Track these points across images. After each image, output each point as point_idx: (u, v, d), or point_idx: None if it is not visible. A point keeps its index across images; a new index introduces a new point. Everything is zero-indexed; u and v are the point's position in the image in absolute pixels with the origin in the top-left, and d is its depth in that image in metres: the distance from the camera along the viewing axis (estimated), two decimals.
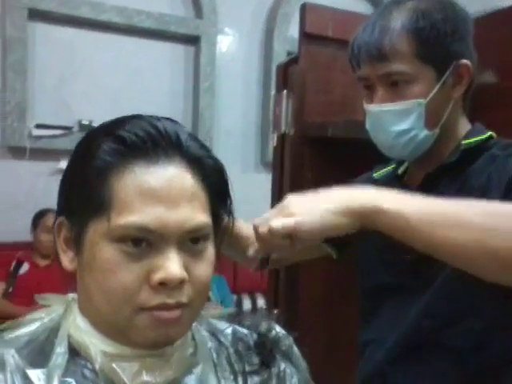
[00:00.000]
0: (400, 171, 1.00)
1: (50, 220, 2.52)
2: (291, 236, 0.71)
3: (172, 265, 0.54)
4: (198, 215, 0.57)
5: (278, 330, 0.75)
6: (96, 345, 0.58)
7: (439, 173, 0.91)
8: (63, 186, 0.61)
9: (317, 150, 1.49)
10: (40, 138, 2.81)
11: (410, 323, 0.90)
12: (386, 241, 0.96)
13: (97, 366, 0.57)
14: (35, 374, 0.55)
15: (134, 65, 2.99)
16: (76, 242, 0.58)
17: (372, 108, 0.91)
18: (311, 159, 1.47)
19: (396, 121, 0.88)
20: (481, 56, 1.44)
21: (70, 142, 2.78)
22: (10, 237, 2.69)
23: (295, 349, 0.75)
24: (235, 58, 3.24)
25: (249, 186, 3.10)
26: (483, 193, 0.81)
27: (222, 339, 0.69)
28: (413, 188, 0.92)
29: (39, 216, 2.61)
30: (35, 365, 0.56)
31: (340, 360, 1.11)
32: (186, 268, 0.56)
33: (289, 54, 3.21)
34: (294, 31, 3.18)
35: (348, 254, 1.12)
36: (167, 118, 0.60)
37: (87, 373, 0.57)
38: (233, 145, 3.28)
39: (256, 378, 0.66)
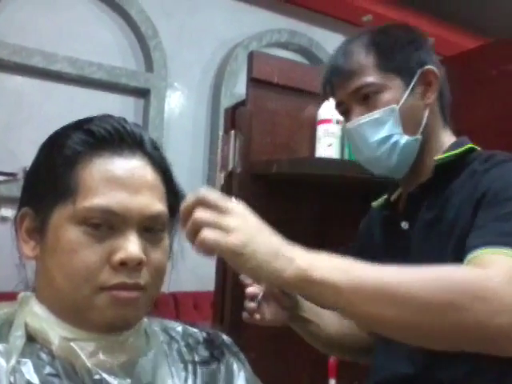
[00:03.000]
0: (393, 198, 1.00)
1: None
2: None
3: (132, 246, 0.59)
4: (157, 204, 0.63)
5: (226, 338, 0.80)
6: (54, 329, 0.61)
7: (420, 193, 0.91)
8: (29, 178, 0.65)
9: (262, 186, 1.56)
10: None
11: (404, 353, 0.87)
12: None
13: (54, 348, 0.59)
14: None
15: (84, 115, 2.98)
16: (40, 229, 0.62)
17: (349, 125, 0.93)
18: (257, 195, 1.54)
19: (374, 131, 0.89)
20: None
21: (17, 189, 2.75)
22: None
23: (242, 355, 0.79)
24: (184, 112, 3.35)
25: None
26: (460, 210, 0.81)
27: (173, 334, 0.72)
28: (400, 212, 0.94)
29: None
30: None
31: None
32: (144, 253, 0.61)
33: None
34: (240, 88, 3.35)
35: None
36: (133, 123, 0.67)
37: (43, 356, 0.59)
38: None
39: (205, 369, 0.69)
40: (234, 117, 1.64)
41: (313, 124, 1.64)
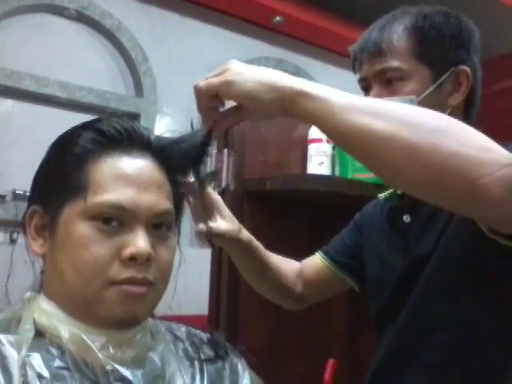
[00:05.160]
0: (400, 191, 0.96)
1: None
2: (218, 96, 0.71)
3: (141, 241, 0.60)
4: (165, 202, 0.64)
5: (227, 344, 0.81)
6: (63, 324, 0.61)
7: None
8: (39, 176, 0.67)
9: (256, 203, 1.59)
10: None
11: (390, 340, 0.90)
12: (381, 262, 0.95)
13: (63, 342, 0.59)
14: (6, 338, 0.57)
15: None
16: (49, 226, 0.63)
17: None
18: (250, 212, 1.56)
19: None
20: None
21: (4, 211, 2.73)
22: None
23: (243, 360, 0.80)
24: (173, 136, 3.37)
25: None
26: None
27: (178, 334, 0.73)
28: (404, 206, 0.92)
29: None
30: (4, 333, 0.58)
31: None
32: (152, 249, 0.62)
33: None
34: None
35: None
36: (141, 125, 0.69)
37: (52, 350, 0.59)
38: None
39: (211, 367, 0.70)
40: (227, 135, 1.67)
41: (304, 143, 1.68)
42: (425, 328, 0.85)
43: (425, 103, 0.84)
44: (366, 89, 0.92)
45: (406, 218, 0.93)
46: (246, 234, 1.00)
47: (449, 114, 0.84)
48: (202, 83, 0.70)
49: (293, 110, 0.67)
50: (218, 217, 0.93)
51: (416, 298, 0.86)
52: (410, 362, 0.87)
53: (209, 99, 0.71)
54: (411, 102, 0.84)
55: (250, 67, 0.70)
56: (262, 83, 0.67)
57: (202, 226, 0.88)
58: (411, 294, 0.87)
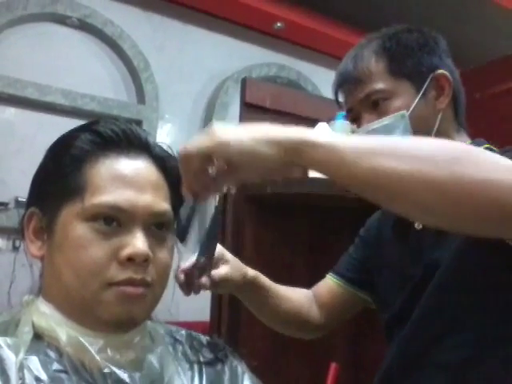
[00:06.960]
0: None
1: None
2: (211, 158, 0.63)
3: (139, 242, 0.60)
4: (163, 203, 0.65)
5: (227, 347, 0.80)
6: (61, 326, 0.61)
7: None
8: (37, 178, 0.67)
9: (257, 207, 1.59)
10: None
11: (404, 339, 0.89)
12: (394, 269, 0.93)
13: (61, 344, 0.59)
14: (4, 341, 0.57)
15: None
16: (47, 228, 0.63)
17: (359, 131, 0.91)
18: (251, 215, 1.56)
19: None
20: None
21: (6, 219, 2.74)
22: None
23: (244, 363, 0.79)
24: (175, 142, 3.38)
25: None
26: None
27: (177, 337, 0.73)
28: None
29: None
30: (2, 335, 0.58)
31: None
32: (150, 250, 0.62)
33: None
34: (230, 120, 3.40)
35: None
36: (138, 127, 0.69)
37: (50, 353, 0.59)
38: None
39: (210, 369, 0.70)
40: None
41: None
42: (439, 329, 0.84)
43: (415, 114, 0.87)
44: (355, 120, 0.94)
45: (418, 225, 0.91)
46: (250, 273, 0.95)
47: (441, 117, 0.89)
48: (190, 146, 0.64)
49: (297, 162, 0.63)
50: (219, 263, 0.88)
51: (429, 302, 0.85)
52: (423, 364, 0.85)
53: (200, 162, 0.64)
54: (402, 117, 0.87)
55: (233, 126, 0.65)
56: (258, 139, 0.62)
57: (204, 280, 0.82)
58: (424, 298, 0.85)
